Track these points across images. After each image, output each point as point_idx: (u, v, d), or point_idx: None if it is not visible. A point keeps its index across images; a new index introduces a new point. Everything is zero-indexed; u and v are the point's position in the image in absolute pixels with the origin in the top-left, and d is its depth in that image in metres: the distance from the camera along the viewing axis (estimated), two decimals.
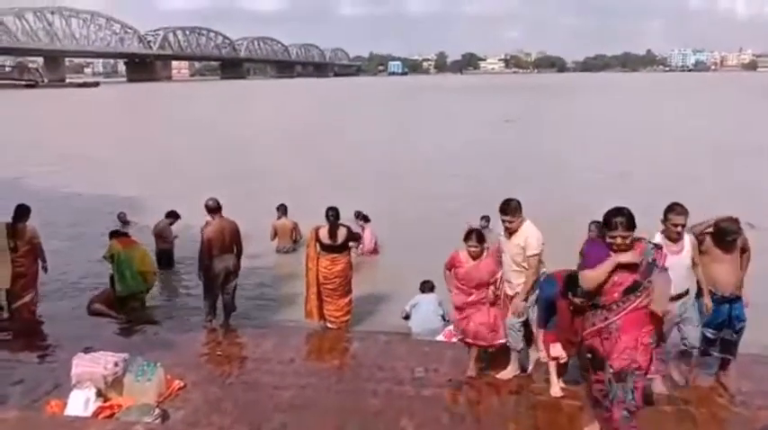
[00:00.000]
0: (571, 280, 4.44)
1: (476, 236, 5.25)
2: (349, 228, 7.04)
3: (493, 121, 34.31)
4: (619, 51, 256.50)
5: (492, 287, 5.29)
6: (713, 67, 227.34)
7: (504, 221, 4.96)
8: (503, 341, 5.26)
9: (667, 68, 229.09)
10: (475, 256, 5.24)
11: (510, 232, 4.98)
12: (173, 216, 9.90)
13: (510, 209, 4.95)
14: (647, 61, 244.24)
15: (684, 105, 46.91)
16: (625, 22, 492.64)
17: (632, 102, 52.85)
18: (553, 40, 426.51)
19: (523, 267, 4.96)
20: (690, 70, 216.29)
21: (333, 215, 6.86)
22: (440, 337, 6.42)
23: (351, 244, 7.35)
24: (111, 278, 7.83)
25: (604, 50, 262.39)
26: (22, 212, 7.10)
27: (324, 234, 6.85)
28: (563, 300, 4.60)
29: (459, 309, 5.36)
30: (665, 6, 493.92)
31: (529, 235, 4.95)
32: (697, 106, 46.03)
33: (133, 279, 7.65)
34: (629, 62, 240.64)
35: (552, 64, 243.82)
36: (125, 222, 12.01)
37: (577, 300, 4.37)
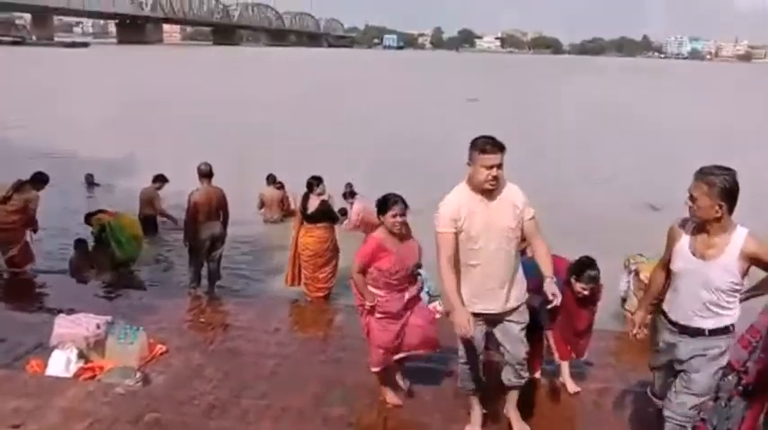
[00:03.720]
0: (579, 265, 4.22)
1: (401, 200, 3.99)
2: (323, 201, 6.91)
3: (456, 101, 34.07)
4: (616, 35, 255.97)
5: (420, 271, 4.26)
6: (708, 57, 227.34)
7: (493, 167, 3.28)
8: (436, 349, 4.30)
9: (662, 55, 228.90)
10: (402, 234, 4.02)
11: (494, 189, 3.37)
12: (160, 180, 9.81)
13: (499, 144, 3.33)
14: (643, 47, 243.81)
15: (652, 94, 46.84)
16: (623, 6, 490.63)
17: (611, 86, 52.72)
18: (550, 21, 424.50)
19: (514, 238, 3.47)
20: (685, 58, 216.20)
21: (309, 184, 6.84)
22: None
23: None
24: (78, 241, 7.80)
25: (601, 34, 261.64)
26: (36, 178, 7.29)
27: (299, 203, 6.91)
28: (567, 290, 4.14)
29: (393, 317, 4.09)
30: None
31: (515, 187, 3.50)
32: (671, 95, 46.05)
33: (129, 243, 7.73)
34: (625, 47, 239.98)
35: (548, 45, 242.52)
36: (91, 184, 12.04)
37: (579, 287, 4.18)
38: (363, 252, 4.02)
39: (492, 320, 3.58)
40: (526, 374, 3.78)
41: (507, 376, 3.76)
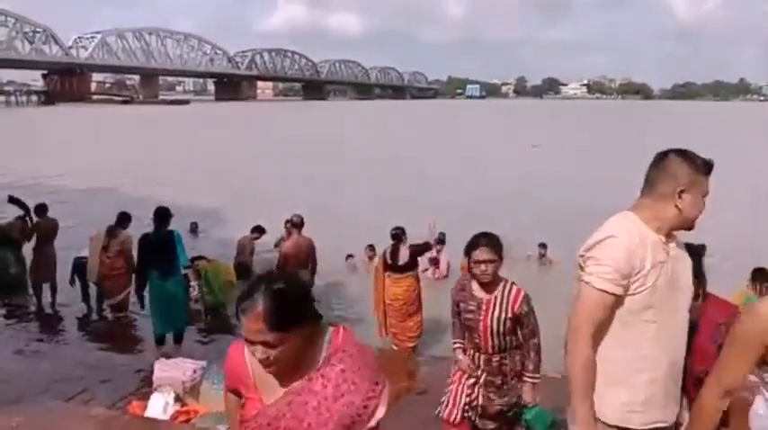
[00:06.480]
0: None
1: (265, 295, 1.63)
2: (412, 250, 6.90)
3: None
4: (709, 79, 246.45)
5: None
6: None
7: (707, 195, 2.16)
8: None
9: (762, 98, 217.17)
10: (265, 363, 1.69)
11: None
12: (258, 231, 10.23)
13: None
14: (740, 90, 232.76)
15: None
16: (716, 50, 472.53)
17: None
18: (639, 67, 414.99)
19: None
20: None
21: (394, 235, 6.87)
22: None
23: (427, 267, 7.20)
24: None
25: (693, 78, 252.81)
26: (121, 219, 7.80)
27: (387, 255, 6.90)
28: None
29: None
30: (761, 33, 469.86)
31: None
32: None
33: (220, 291, 8.11)
34: (720, 91, 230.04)
35: (637, 91, 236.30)
36: (195, 232, 12.73)
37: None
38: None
39: None
40: None
41: None
